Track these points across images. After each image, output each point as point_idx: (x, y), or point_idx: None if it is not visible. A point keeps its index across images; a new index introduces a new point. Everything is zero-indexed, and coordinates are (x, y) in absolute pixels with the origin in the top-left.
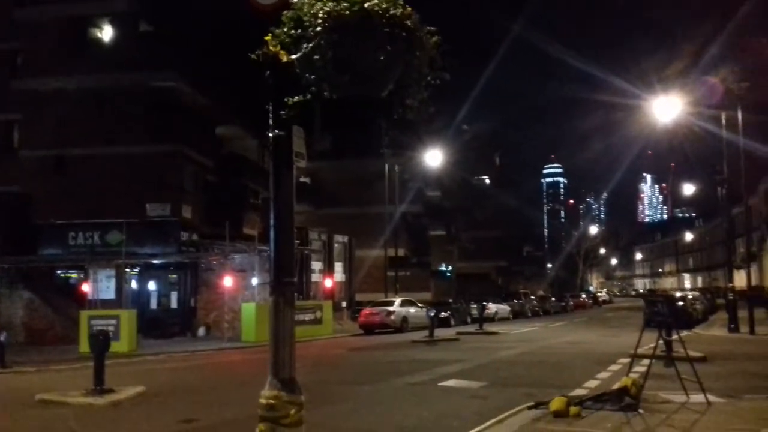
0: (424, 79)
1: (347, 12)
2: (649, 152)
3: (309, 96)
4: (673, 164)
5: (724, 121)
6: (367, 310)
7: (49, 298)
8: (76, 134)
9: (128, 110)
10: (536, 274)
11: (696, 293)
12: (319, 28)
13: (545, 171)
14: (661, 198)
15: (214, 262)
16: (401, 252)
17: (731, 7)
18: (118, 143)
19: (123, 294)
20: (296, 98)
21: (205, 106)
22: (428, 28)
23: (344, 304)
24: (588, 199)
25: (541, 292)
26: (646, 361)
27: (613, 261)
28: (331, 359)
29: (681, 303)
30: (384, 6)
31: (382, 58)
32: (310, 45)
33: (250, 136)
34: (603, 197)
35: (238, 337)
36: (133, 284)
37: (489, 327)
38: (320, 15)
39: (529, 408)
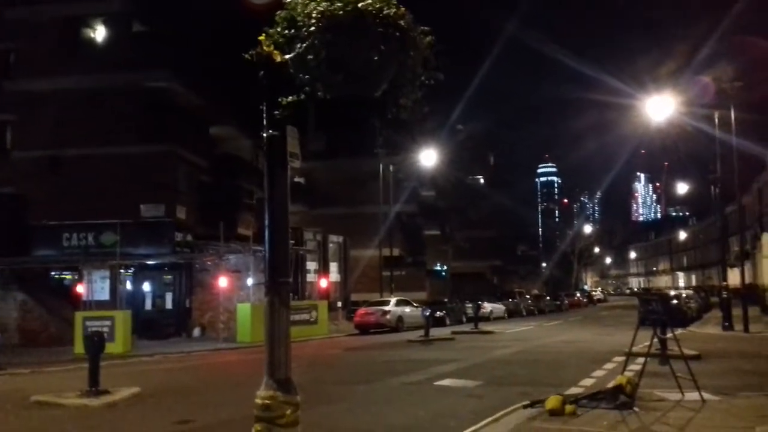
0: (418, 78)
1: (341, 12)
2: (643, 151)
3: (303, 96)
4: (666, 163)
5: (717, 121)
6: (362, 310)
7: (43, 300)
8: (70, 135)
9: (122, 110)
10: (531, 273)
11: (690, 291)
12: (312, 28)
13: (539, 170)
14: (654, 197)
15: (209, 263)
16: (396, 252)
17: (724, 7)
18: (112, 144)
19: (117, 295)
20: (290, 98)
21: (199, 106)
22: (422, 27)
23: (339, 304)
24: (582, 199)
25: (536, 291)
26: (641, 360)
27: (608, 260)
28: (327, 359)
29: (675, 301)
30: (377, 6)
31: (375, 57)
32: (304, 45)
33: (244, 137)
34: (597, 196)
35: (234, 337)
36: (128, 285)
37: (484, 326)
38: (314, 15)
39: (525, 407)
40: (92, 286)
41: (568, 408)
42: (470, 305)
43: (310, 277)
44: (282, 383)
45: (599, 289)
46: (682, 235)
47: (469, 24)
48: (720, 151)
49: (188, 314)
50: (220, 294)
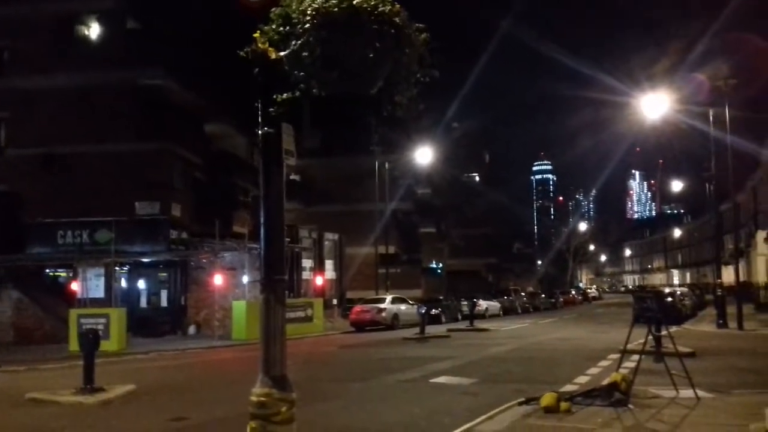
0: (413, 76)
1: (335, 9)
2: (638, 149)
3: (298, 93)
4: (661, 161)
5: (711, 118)
6: (357, 308)
7: (37, 297)
8: (65, 132)
9: (116, 108)
10: (526, 270)
11: (685, 289)
12: (307, 25)
13: (534, 168)
14: (649, 194)
15: (204, 260)
16: (392, 249)
17: (719, 5)
18: (107, 141)
19: (112, 292)
20: (285, 95)
21: (194, 103)
22: (417, 25)
23: (335, 301)
24: (577, 196)
25: (531, 289)
26: (636, 357)
27: (603, 257)
28: (322, 356)
29: (670, 299)
30: (372, 3)
31: (370, 55)
32: (299, 42)
33: (239, 134)
34: (592, 194)
35: (229, 335)
36: (123, 283)
37: (479, 324)
38: (308, 12)
39: (520, 404)
40: (87, 284)
41: (563, 405)
42: (466, 303)
43: (306, 275)
44: (277, 380)
45: (594, 286)
46: (677, 233)
47: (464, 21)
48: (715, 148)
49: (183, 312)
50: (216, 291)
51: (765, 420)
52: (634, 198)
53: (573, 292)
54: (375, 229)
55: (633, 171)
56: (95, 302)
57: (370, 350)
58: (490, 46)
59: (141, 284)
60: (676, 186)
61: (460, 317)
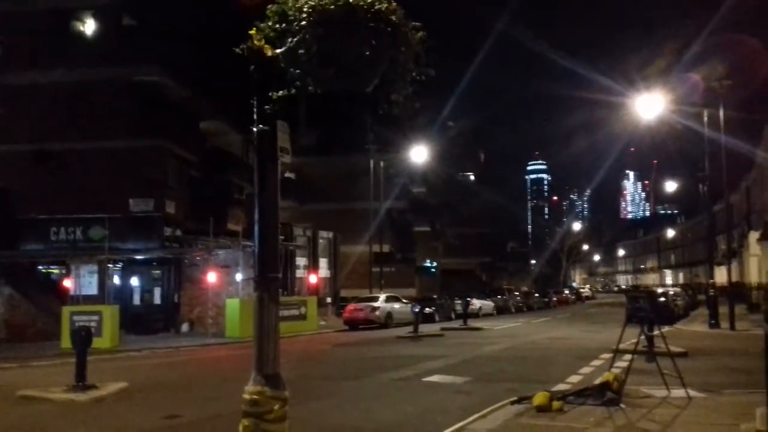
0: (409, 74)
1: (332, 6)
2: (632, 149)
3: (294, 90)
4: (655, 161)
5: (706, 119)
6: (351, 306)
7: (30, 294)
8: (59, 129)
9: (111, 104)
10: (520, 270)
11: (677, 289)
12: (303, 23)
13: (529, 167)
14: (643, 195)
15: (198, 258)
16: (386, 248)
17: (714, 5)
18: (101, 138)
19: (105, 290)
20: (281, 93)
21: (189, 100)
22: (413, 23)
23: (329, 299)
24: (571, 196)
25: (524, 288)
26: (628, 357)
27: (596, 257)
28: (316, 355)
29: (662, 299)
30: (369, 1)
31: (367, 53)
32: (295, 39)
33: (234, 131)
34: (586, 194)
35: (222, 333)
36: (116, 280)
37: (473, 323)
38: (305, 9)
39: (513, 403)
40: (80, 281)
41: (555, 404)
42: (459, 302)
43: (300, 273)
44: (270, 378)
45: (587, 286)
46: (670, 233)
47: (460, 21)
48: (709, 149)
49: (177, 309)
50: (209, 289)
51: (756, 420)
52: (628, 198)
53: (566, 292)
54: (369, 228)
55: (627, 171)
56: (88, 299)
57: (364, 349)
58: (485, 45)
59: (134, 281)
60: (670, 186)
61: (453, 316)
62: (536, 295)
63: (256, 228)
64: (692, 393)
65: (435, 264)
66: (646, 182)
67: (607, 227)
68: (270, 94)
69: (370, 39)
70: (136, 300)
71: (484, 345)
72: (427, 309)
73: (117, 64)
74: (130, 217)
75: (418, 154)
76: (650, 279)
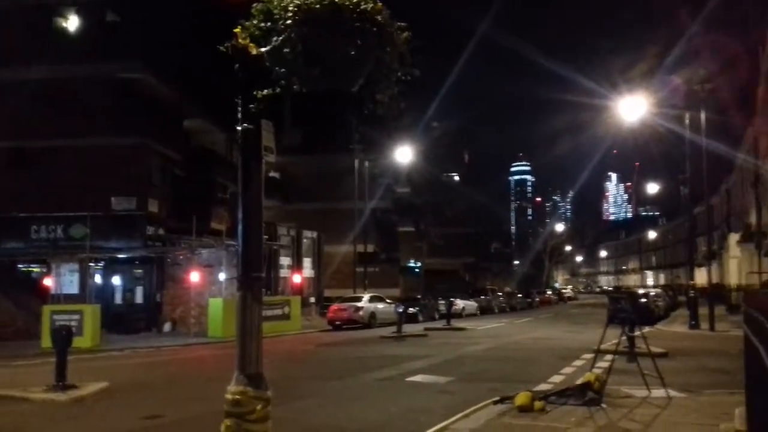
0: (395, 74)
1: (317, 5)
2: (615, 151)
3: (279, 89)
4: (637, 163)
5: (687, 122)
6: (335, 306)
7: (10, 293)
8: (39, 125)
9: (93, 102)
10: (503, 270)
11: (658, 290)
12: (289, 21)
13: (513, 169)
14: (625, 197)
15: (181, 257)
16: (370, 248)
17: (695, 9)
18: (83, 135)
19: (87, 289)
20: (266, 91)
21: (173, 98)
22: (399, 23)
23: (313, 299)
24: (555, 197)
25: (507, 289)
26: (609, 357)
27: (579, 258)
28: (299, 355)
29: (644, 300)
30: (354, 0)
31: (352, 52)
32: (280, 38)
33: (218, 130)
34: (569, 195)
35: (205, 332)
36: (98, 279)
37: (456, 323)
38: (290, 8)
39: (495, 403)
40: (61, 280)
41: (537, 404)
42: (443, 302)
43: (284, 273)
44: (253, 378)
45: (570, 287)
46: (652, 235)
47: (446, 22)
48: (690, 152)
49: (159, 309)
50: (192, 289)
51: (735, 420)
52: (611, 200)
53: (549, 293)
54: (354, 228)
55: (610, 173)
56: (69, 298)
57: (347, 349)
58: (470, 46)
59: (116, 280)
60: (652, 188)
61: (437, 316)
62: (519, 295)
63: (240, 227)
64: (672, 393)
65: (419, 264)
66: (629, 184)
67: (590, 228)
68: (255, 92)
69: (356, 39)
70: (118, 299)
71: (468, 345)
72: (410, 309)
73: (99, 61)
74: (112, 215)
75: (403, 154)
76: (632, 280)
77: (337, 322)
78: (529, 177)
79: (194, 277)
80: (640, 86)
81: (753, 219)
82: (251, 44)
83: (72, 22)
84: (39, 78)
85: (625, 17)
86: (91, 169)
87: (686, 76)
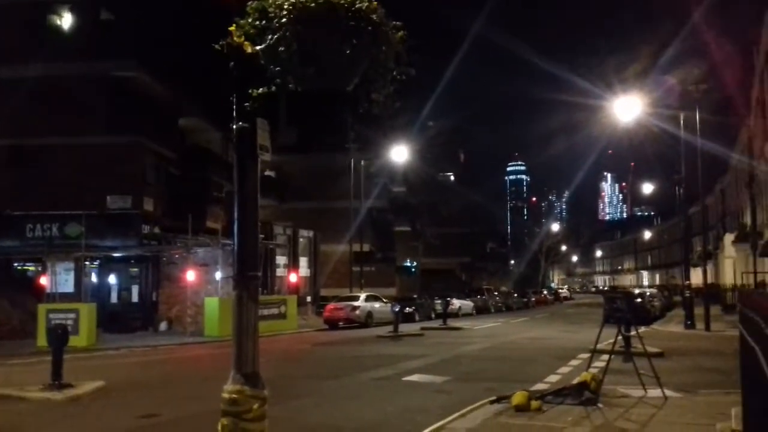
0: (390, 73)
1: (312, 4)
2: (610, 151)
3: (274, 88)
4: (633, 163)
5: (682, 122)
6: (331, 305)
7: (5, 291)
8: (35, 124)
9: (88, 100)
10: (499, 270)
11: (654, 290)
12: (284, 20)
13: (509, 168)
14: (621, 197)
15: (177, 256)
16: (366, 247)
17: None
18: (78, 134)
19: (82, 287)
20: (261, 90)
21: (168, 96)
22: (394, 22)
23: (309, 298)
24: (550, 197)
25: (504, 288)
26: (606, 357)
27: (574, 258)
28: (296, 354)
29: (639, 300)
30: None
31: (347, 51)
32: (275, 36)
33: (213, 128)
34: (565, 195)
35: (201, 331)
36: (93, 277)
37: (453, 322)
38: (285, 6)
39: (492, 402)
40: (56, 278)
41: (534, 404)
42: (439, 301)
43: (280, 272)
44: (249, 377)
45: (566, 286)
46: (647, 235)
47: (441, 21)
48: (685, 152)
49: (155, 308)
50: (188, 287)
51: (731, 419)
52: (606, 200)
53: (545, 292)
54: (350, 227)
55: (605, 173)
56: (65, 297)
57: (344, 348)
58: (466, 46)
59: (112, 279)
60: (647, 188)
61: (433, 316)
62: (515, 295)
63: (236, 226)
64: (668, 393)
65: (415, 264)
66: (624, 184)
67: (585, 228)
68: (250, 91)
69: (351, 37)
70: (114, 298)
71: (464, 345)
72: (407, 308)
73: (94, 59)
74: (107, 214)
75: (399, 153)
76: (627, 280)
77: (334, 322)
78: (524, 177)
79: (190, 276)
80: (634, 86)
81: (748, 219)
82: (246, 42)
83: (66, 20)
84: (33, 76)
85: (620, 17)
86: (85, 167)
87: (681, 76)
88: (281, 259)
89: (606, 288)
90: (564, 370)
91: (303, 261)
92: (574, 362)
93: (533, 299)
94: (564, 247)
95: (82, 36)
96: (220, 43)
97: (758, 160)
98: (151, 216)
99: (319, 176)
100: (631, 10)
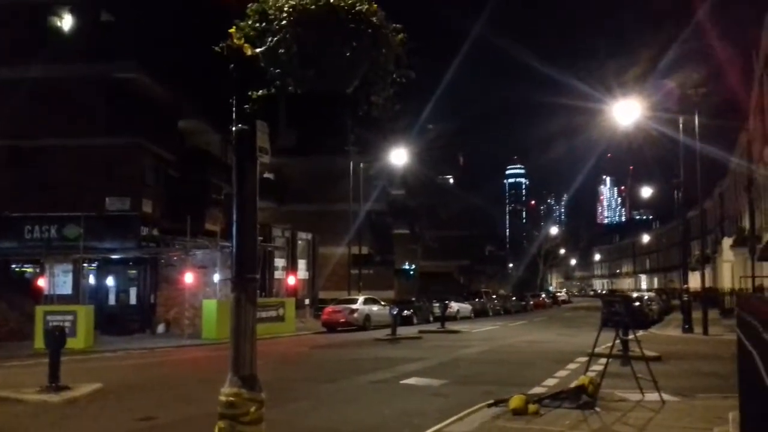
0: (390, 76)
1: (312, 6)
2: (609, 155)
3: (273, 90)
4: (631, 167)
5: (681, 126)
6: (330, 308)
7: (3, 293)
8: (34, 125)
9: (88, 101)
10: (498, 273)
11: (652, 294)
12: (284, 22)
13: (508, 172)
14: (619, 200)
15: (175, 258)
16: (365, 250)
17: (690, 14)
18: (77, 135)
19: (80, 289)
20: (260, 92)
21: (167, 98)
22: (394, 25)
23: (307, 301)
24: (549, 201)
25: (502, 292)
26: (603, 360)
27: (573, 261)
28: (294, 357)
29: (637, 303)
30: (349, 2)
31: (347, 54)
32: (275, 39)
33: (213, 131)
34: (564, 199)
35: (199, 334)
36: (91, 279)
37: (451, 326)
38: (285, 9)
39: (489, 406)
40: (54, 280)
41: (532, 407)
42: (437, 304)
43: (278, 275)
44: (247, 380)
45: (564, 290)
46: (646, 239)
47: (441, 25)
48: (684, 155)
49: (153, 310)
50: (186, 290)
51: (728, 424)
52: (605, 203)
53: (543, 296)
54: (349, 230)
55: (604, 176)
56: (62, 299)
57: (342, 351)
58: (466, 49)
59: (110, 281)
60: (646, 192)
61: (431, 319)
62: (513, 298)
63: (234, 228)
64: (666, 397)
65: (413, 267)
66: (623, 188)
67: (584, 232)
68: (249, 93)
69: (351, 40)
70: (112, 300)
71: (462, 348)
72: (405, 311)
73: (94, 61)
74: (105, 215)
75: (398, 156)
76: (626, 283)
77: (332, 324)
78: (523, 180)
79: (188, 278)
80: (634, 90)
81: (746, 223)
82: (246, 45)
83: (66, 22)
84: (33, 77)
85: (620, 20)
86: (84, 169)
87: (680, 80)
88: (280, 262)
89: (604, 291)
90: (562, 373)
91: (301, 263)
92: (571, 366)
93: (531, 302)
94: (562, 251)
95: (82, 37)
96: (220, 45)
97: (757, 163)
98: (150, 218)
99: (319, 179)
100: (631, 13)
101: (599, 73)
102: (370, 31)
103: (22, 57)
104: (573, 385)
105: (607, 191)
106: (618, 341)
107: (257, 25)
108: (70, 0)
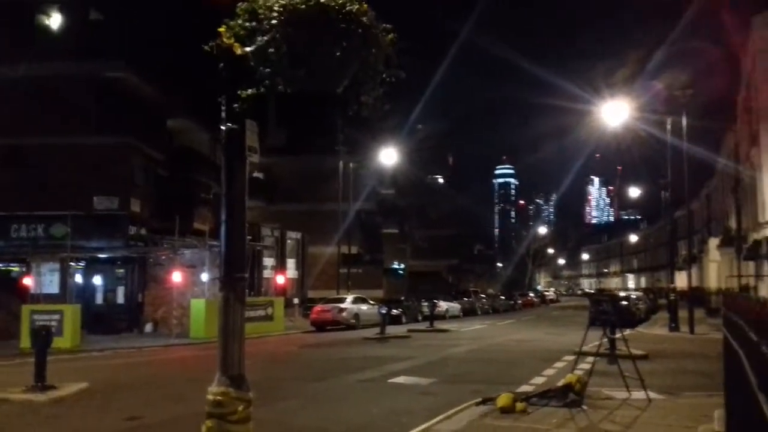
0: (380, 76)
1: (303, 6)
2: (598, 155)
3: (263, 89)
4: (619, 168)
5: (669, 127)
6: (318, 307)
7: None
8: (20, 123)
9: (76, 100)
10: (486, 272)
11: (639, 293)
12: (274, 21)
13: (497, 172)
14: (607, 200)
15: (163, 257)
16: (354, 249)
17: (677, 15)
18: (65, 134)
19: (67, 288)
20: (250, 91)
21: (156, 97)
22: (384, 25)
23: (296, 300)
24: (538, 200)
25: (491, 291)
26: (591, 359)
27: (561, 261)
28: (282, 356)
29: (625, 302)
30: (340, 2)
31: (337, 53)
32: (265, 38)
33: (202, 130)
34: (552, 199)
35: (187, 333)
36: (78, 278)
37: (440, 324)
38: (275, 8)
39: (477, 404)
40: (41, 279)
41: (519, 406)
42: (426, 304)
43: (267, 274)
44: (235, 379)
45: (552, 289)
46: (633, 238)
47: (431, 25)
48: (671, 156)
49: (140, 309)
50: (174, 289)
51: (714, 421)
52: (593, 203)
53: (531, 295)
54: (338, 229)
55: (592, 177)
56: (49, 298)
57: (331, 350)
58: (455, 49)
59: (97, 280)
60: (634, 192)
61: (420, 318)
62: (502, 297)
63: (223, 227)
64: (652, 395)
65: (402, 266)
66: (611, 188)
67: (572, 232)
68: (239, 92)
69: (341, 40)
70: (99, 299)
71: (450, 347)
72: (394, 311)
73: (82, 59)
74: (93, 214)
75: (388, 156)
76: (613, 283)
77: (321, 324)
78: (512, 180)
79: (176, 277)
80: (622, 91)
81: (733, 223)
82: (236, 44)
83: (54, 20)
84: (20, 76)
85: (609, 21)
86: (72, 168)
87: (668, 81)
88: (269, 261)
89: (592, 291)
90: (549, 372)
91: (290, 263)
92: (559, 364)
93: (520, 302)
94: (551, 250)
95: (71, 36)
96: (210, 44)
97: (744, 164)
98: (138, 217)
99: (308, 178)
100: (620, 14)
101: (588, 73)
102: (360, 31)
103: (10, 56)
104: (560, 383)
105: (595, 191)
106: (605, 340)
107: (247, 24)
108: None
